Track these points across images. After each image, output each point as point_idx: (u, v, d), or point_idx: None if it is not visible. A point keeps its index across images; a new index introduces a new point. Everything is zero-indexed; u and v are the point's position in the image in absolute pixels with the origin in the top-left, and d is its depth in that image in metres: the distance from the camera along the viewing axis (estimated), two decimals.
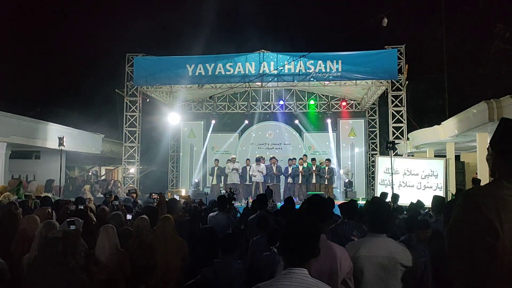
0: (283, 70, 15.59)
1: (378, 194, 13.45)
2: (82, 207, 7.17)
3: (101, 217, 6.33)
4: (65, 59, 21.49)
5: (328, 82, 15.99)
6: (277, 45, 17.47)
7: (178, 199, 8.48)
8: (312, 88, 18.25)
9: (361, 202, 10.92)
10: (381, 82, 15.74)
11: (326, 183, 15.84)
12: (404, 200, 10.15)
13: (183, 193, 15.64)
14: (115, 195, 10.49)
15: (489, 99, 10.19)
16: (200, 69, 15.86)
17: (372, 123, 19.42)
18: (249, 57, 15.84)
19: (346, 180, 17.73)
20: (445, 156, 15.20)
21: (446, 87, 18.65)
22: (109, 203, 8.68)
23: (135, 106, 17.01)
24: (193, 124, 20.27)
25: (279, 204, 10.62)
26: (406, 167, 14.40)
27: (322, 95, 19.55)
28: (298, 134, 19.61)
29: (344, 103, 19.22)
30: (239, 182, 16.29)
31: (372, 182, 18.05)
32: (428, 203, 7.51)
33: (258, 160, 16.37)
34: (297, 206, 6.86)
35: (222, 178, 16.85)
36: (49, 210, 5.72)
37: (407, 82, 15.69)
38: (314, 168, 15.92)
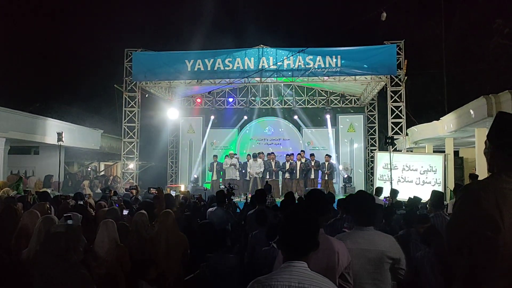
0: (282, 66, 15.58)
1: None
2: (81, 203, 7.19)
3: (97, 212, 6.34)
4: (64, 54, 21.44)
5: (327, 78, 15.97)
6: (276, 40, 17.45)
7: (174, 195, 8.49)
8: (311, 84, 18.23)
9: None
10: (380, 78, 15.73)
11: (326, 178, 15.83)
12: (403, 196, 10.16)
13: (182, 188, 15.63)
14: (114, 191, 10.50)
15: (488, 94, 10.20)
16: (199, 65, 15.84)
17: (371, 118, 19.42)
18: (248, 52, 15.81)
19: (345, 176, 17.75)
20: (444, 152, 15.22)
21: (445, 83, 18.66)
22: (108, 198, 8.69)
23: (134, 102, 17.00)
24: (192, 119, 20.26)
25: (278, 200, 10.63)
26: (405, 162, 14.42)
27: (321, 90, 19.53)
28: (297, 130, 19.61)
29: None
30: (238, 178, 16.27)
31: (371, 177, 18.07)
32: (426, 198, 7.51)
33: (255, 156, 16.34)
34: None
35: (222, 173, 16.84)
36: (48, 205, 5.72)
37: (406, 77, 15.69)
38: (312, 164, 15.92)
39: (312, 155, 16.38)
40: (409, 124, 16.45)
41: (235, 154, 17.44)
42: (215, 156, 17.37)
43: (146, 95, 17.52)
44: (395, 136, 15.66)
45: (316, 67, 15.34)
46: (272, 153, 16.82)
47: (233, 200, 8.90)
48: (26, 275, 3.49)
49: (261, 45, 15.87)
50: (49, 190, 11.26)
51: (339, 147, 19.14)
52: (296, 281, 2.05)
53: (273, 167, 16.12)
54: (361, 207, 3.22)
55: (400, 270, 3.12)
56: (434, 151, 17.47)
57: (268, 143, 19.53)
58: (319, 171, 15.96)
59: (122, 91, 16.98)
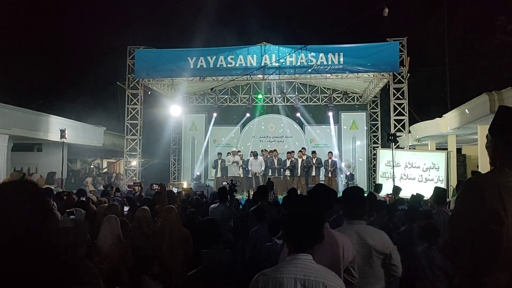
0: (284, 63, 15.55)
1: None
2: (83, 199, 7.22)
3: (97, 207, 6.36)
4: (67, 52, 21.48)
5: (329, 75, 15.95)
6: (279, 38, 17.43)
7: (175, 191, 8.51)
8: (313, 81, 18.20)
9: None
10: (382, 75, 15.70)
11: (330, 175, 15.81)
12: (406, 193, 10.15)
13: (185, 185, 15.65)
14: (116, 187, 10.53)
15: (491, 91, 10.17)
16: (201, 62, 15.83)
17: (374, 116, 19.40)
18: (251, 49, 15.80)
19: (348, 173, 17.73)
20: (446, 149, 15.19)
21: (448, 80, 18.61)
22: (111, 195, 8.72)
23: (136, 99, 17.01)
24: (194, 117, 20.26)
25: (280, 197, 10.63)
26: (408, 159, 14.40)
27: (323, 88, 19.50)
28: (299, 127, 19.60)
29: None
30: (241, 175, 16.29)
31: (373, 175, 18.05)
32: (429, 196, 7.50)
33: (256, 155, 16.31)
34: None
35: (226, 170, 16.87)
36: (52, 201, 5.74)
37: (408, 74, 15.64)
38: (314, 161, 15.91)
39: (313, 152, 16.37)
40: (412, 122, 16.42)
41: (238, 151, 17.45)
42: (220, 153, 17.38)
43: (149, 92, 17.54)
44: (398, 134, 15.62)
45: (319, 64, 15.31)
46: (275, 150, 16.83)
47: (236, 197, 8.93)
48: None
49: (264, 43, 15.84)
50: (52, 187, 11.30)
51: (342, 144, 19.12)
52: (301, 273, 2.07)
53: (275, 164, 16.12)
54: (350, 201, 3.25)
55: (392, 267, 3.13)
56: (436, 149, 17.44)
57: (271, 141, 19.52)
58: (321, 168, 15.96)
59: (125, 88, 17.00)
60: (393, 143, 12.98)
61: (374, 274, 3.03)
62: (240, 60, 15.69)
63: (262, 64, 15.48)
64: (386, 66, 15.12)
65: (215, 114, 19.44)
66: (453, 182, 13.66)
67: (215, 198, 8.02)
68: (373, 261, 3.02)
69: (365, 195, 3.48)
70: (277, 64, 15.49)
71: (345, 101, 19.27)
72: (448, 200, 7.97)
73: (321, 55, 15.25)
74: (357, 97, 19.51)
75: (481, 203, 1.92)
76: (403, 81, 15.71)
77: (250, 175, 16.24)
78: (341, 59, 15.14)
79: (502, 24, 19.48)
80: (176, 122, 19.89)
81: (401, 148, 16.35)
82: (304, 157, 16.07)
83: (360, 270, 2.95)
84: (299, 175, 15.82)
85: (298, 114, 19.32)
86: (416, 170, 14.20)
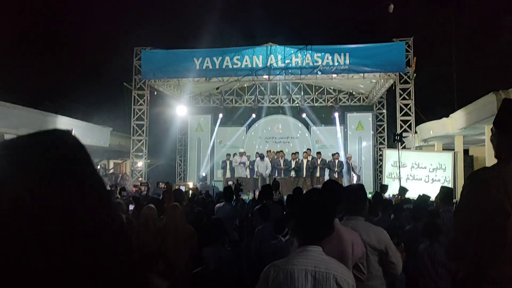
0: (290, 63, 15.56)
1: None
2: None
3: None
4: (73, 52, 21.61)
5: (335, 75, 15.93)
6: (285, 38, 17.43)
7: (184, 190, 8.54)
8: (319, 82, 18.18)
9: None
10: (388, 75, 15.66)
11: (337, 176, 15.80)
12: (412, 194, 10.11)
13: (191, 186, 15.69)
14: (121, 187, 10.57)
15: (498, 90, 10.11)
16: (207, 63, 15.87)
17: (380, 116, 19.34)
18: (256, 50, 15.81)
19: (354, 174, 17.66)
20: (453, 150, 15.10)
21: (454, 80, 18.52)
22: (116, 194, 8.77)
23: (143, 100, 17.08)
24: (200, 117, 20.31)
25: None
26: (414, 160, 14.34)
27: (329, 88, 19.47)
28: (305, 128, 19.58)
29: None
30: (248, 176, 16.31)
31: (379, 176, 17.99)
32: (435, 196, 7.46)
33: (262, 157, 16.32)
34: None
35: (234, 171, 16.90)
36: None
37: (415, 75, 15.59)
38: (318, 162, 15.90)
39: (318, 153, 16.37)
40: (418, 122, 16.35)
41: (244, 152, 17.47)
42: (228, 154, 17.41)
43: (155, 93, 17.60)
44: (404, 134, 15.56)
45: (324, 64, 15.30)
46: (281, 151, 16.84)
47: (241, 197, 8.94)
48: None
49: (269, 43, 15.85)
50: None
51: (348, 145, 19.09)
52: (312, 265, 2.09)
53: (282, 165, 16.14)
54: (349, 197, 3.28)
55: (390, 264, 3.12)
56: (443, 150, 17.34)
57: (277, 141, 19.52)
58: (325, 169, 15.94)
59: (131, 89, 17.07)
60: (399, 143, 12.92)
61: (369, 270, 3.03)
62: (246, 61, 15.71)
63: (268, 65, 15.49)
64: (392, 66, 15.08)
65: (221, 115, 19.46)
66: (460, 184, 13.56)
67: (221, 197, 8.04)
68: (368, 257, 3.03)
69: (367, 193, 3.49)
70: (282, 65, 15.49)
71: (351, 102, 19.23)
72: (454, 200, 7.93)
73: (327, 55, 15.24)
74: (363, 97, 19.47)
75: (486, 196, 1.91)
76: (409, 81, 15.66)
77: (256, 176, 16.25)
78: (347, 60, 15.11)
79: (509, 24, 19.36)
80: (182, 123, 19.95)
81: (407, 148, 16.28)
82: (310, 158, 16.07)
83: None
84: (304, 176, 15.82)
85: (304, 115, 19.30)
86: (422, 170, 14.13)
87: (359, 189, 3.45)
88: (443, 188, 6.14)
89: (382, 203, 6.82)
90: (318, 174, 15.82)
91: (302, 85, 19.27)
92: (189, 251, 4.85)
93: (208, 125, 20.16)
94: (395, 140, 12.72)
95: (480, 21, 19.96)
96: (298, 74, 15.91)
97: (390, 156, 14.61)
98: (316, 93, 19.51)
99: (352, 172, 16.14)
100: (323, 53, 15.30)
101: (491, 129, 2.10)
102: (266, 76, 16.28)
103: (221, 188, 15.64)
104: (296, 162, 16.03)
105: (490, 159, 11.65)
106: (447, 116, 14.32)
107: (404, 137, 15.69)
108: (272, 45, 15.79)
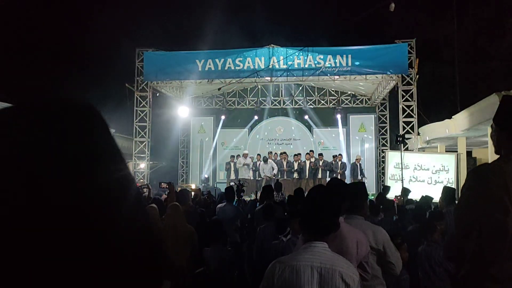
0: (292, 65, 15.56)
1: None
2: None
3: None
4: (75, 53, 21.67)
5: (337, 77, 15.92)
6: (287, 40, 17.44)
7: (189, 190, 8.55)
8: (321, 83, 18.18)
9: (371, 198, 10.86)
10: (391, 77, 15.63)
11: (339, 177, 15.76)
12: (415, 195, 10.08)
13: (193, 187, 15.69)
14: None
15: (500, 91, 10.08)
16: (209, 64, 15.88)
17: (383, 118, 19.31)
18: (259, 52, 15.82)
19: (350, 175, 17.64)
20: (456, 152, 15.07)
21: (457, 82, 18.48)
22: None
23: (145, 101, 17.10)
24: (203, 119, 20.33)
25: None
26: (417, 162, 14.30)
27: (331, 90, 19.47)
28: (308, 130, 19.57)
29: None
30: (251, 178, 16.30)
31: (382, 177, 17.95)
32: (438, 198, 7.44)
33: (266, 160, 16.30)
34: None
35: (237, 173, 16.89)
36: None
37: (417, 76, 15.57)
38: (320, 163, 15.90)
39: (320, 154, 16.35)
40: (421, 124, 16.33)
41: (248, 153, 17.45)
42: (233, 156, 17.40)
43: (157, 94, 17.63)
44: (407, 135, 15.53)
45: (327, 66, 15.29)
46: (284, 152, 16.84)
47: (243, 198, 8.94)
48: None
49: (272, 45, 15.87)
50: None
51: (350, 147, 19.06)
52: (317, 261, 2.08)
53: (284, 167, 16.14)
54: (349, 195, 3.26)
55: (389, 264, 3.11)
56: (446, 151, 17.30)
57: (279, 143, 19.51)
58: (327, 171, 15.93)
59: (134, 90, 17.09)
60: (402, 144, 12.90)
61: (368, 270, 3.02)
62: (248, 62, 15.73)
63: (270, 66, 15.50)
64: (395, 68, 15.06)
65: (223, 117, 19.48)
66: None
67: (223, 198, 8.04)
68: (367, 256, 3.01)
69: (367, 191, 3.48)
70: (285, 66, 15.50)
71: (353, 104, 19.21)
72: (457, 201, 7.89)
73: (329, 57, 15.23)
74: (365, 99, 19.45)
75: (486, 192, 1.91)
76: (412, 83, 15.64)
77: (260, 177, 16.22)
78: (349, 61, 15.10)
79: None
80: (185, 124, 19.97)
81: (410, 150, 16.24)
82: (312, 160, 16.08)
83: None
84: (307, 177, 15.82)
85: (306, 117, 19.29)
86: (425, 172, 14.09)
87: (359, 188, 3.44)
88: (446, 189, 6.10)
89: (384, 204, 6.81)
90: (320, 176, 15.80)
91: (304, 87, 19.26)
92: (190, 251, 4.85)
93: (211, 127, 20.18)
94: (398, 142, 12.69)
95: (482, 23, 19.93)
96: (300, 76, 15.90)
97: (393, 157, 14.58)
98: (319, 94, 19.50)
99: (360, 174, 16.09)
100: (325, 55, 15.30)
101: (491, 126, 2.09)
102: (268, 78, 16.28)
103: (223, 190, 15.62)
104: (298, 164, 16.02)
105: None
106: (450, 118, 14.30)
107: (407, 138, 15.66)
108: (274, 46, 15.81)
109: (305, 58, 15.40)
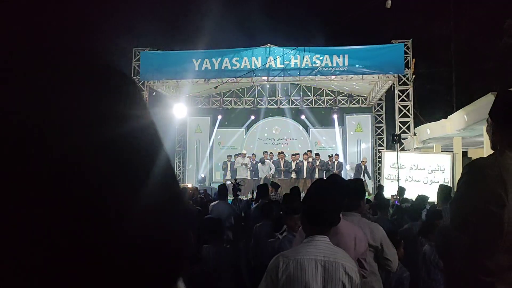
0: (289, 65, 15.58)
1: (384, 189, 13.42)
2: None
3: None
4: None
5: (334, 77, 15.95)
6: (284, 39, 17.43)
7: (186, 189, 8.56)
8: (318, 83, 18.21)
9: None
10: (387, 77, 15.68)
11: None
12: (411, 195, 10.11)
13: (190, 186, 15.68)
14: None
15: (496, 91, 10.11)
16: (206, 64, 15.89)
17: (379, 118, 19.36)
18: (255, 51, 15.83)
19: (352, 175, 17.69)
20: (452, 152, 15.11)
21: (453, 82, 18.55)
22: None
23: None
24: (199, 119, 20.32)
25: None
26: (413, 161, 14.33)
27: (328, 90, 19.50)
28: (304, 130, 19.59)
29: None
30: (249, 177, 16.31)
31: (378, 177, 17.99)
32: (435, 197, 7.47)
33: (263, 162, 16.32)
34: None
35: (235, 173, 16.90)
36: None
37: (414, 76, 15.62)
38: (317, 163, 15.93)
39: (317, 154, 16.39)
40: (417, 124, 16.38)
41: (246, 153, 17.46)
42: (229, 155, 17.42)
43: (154, 93, 17.61)
44: (403, 135, 15.58)
45: (323, 66, 15.32)
46: (282, 152, 16.87)
47: (239, 197, 8.95)
48: None
49: (268, 44, 15.88)
50: None
51: (347, 147, 19.10)
52: (321, 255, 2.09)
53: (282, 166, 16.17)
54: (347, 193, 3.25)
55: (386, 261, 3.11)
56: (442, 151, 17.35)
57: (276, 143, 19.52)
58: (324, 170, 15.95)
59: None
60: (398, 144, 12.94)
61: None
62: (245, 62, 15.74)
63: (267, 66, 15.51)
64: (391, 68, 15.11)
65: (219, 117, 19.48)
66: None
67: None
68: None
69: (365, 189, 3.50)
70: (281, 66, 15.51)
71: (350, 104, 19.24)
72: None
73: (326, 56, 15.26)
74: (362, 99, 19.49)
75: (483, 185, 1.91)
76: (408, 83, 15.69)
77: (259, 177, 16.22)
78: (346, 61, 15.14)
79: (509, 27, 19.39)
80: (181, 124, 19.94)
81: (406, 150, 16.29)
82: (310, 159, 16.12)
83: None
84: (304, 177, 15.84)
85: (303, 117, 19.33)
86: (421, 172, 14.13)
87: (357, 185, 3.44)
88: (441, 187, 6.14)
89: (379, 202, 6.84)
90: (317, 176, 15.82)
91: (301, 87, 19.29)
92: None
93: (207, 126, 20.17)
94: (394, 141, 12.73)
95: (478, 23, 20.01)
96: (297, 76, 15.92)
97: (389, 157, 14.61)
98: (315, 94, 19.53)
99: (366, 176, 16.15)
100: (322, 55, 15.33)
101: (487, 120, 2.10)
102: (265, 78, 16.29)
103: None
104: (296, 163, 16.07)
105: None
106: (446, 118, 14.34)
107: (403, 138, 15.71)
108: (271, 46, 15.82)
109: (302, 58, 15.42)
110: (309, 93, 19.57)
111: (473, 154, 18.21)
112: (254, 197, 8.67)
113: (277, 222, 5.00)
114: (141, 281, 0.43)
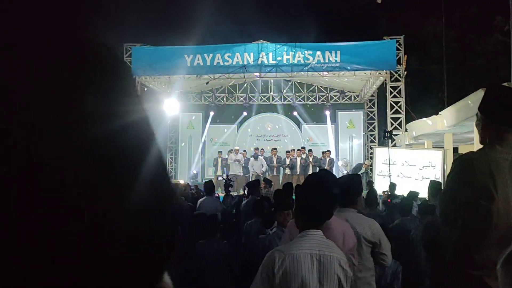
0: (281, 61, 15.55)
1: (376, 185, 13.49)
2: None
3: None
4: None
5: (326, 73, 15.95)
6: (276, 35, 17.41)
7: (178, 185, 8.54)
8: (310, 80, 18.20)
9: None
10: (379, 73, 15.70)
11: None
12: (402, 191, 10.15)
13: (182, 182, 15.62)
14: None
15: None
16: (198, 59, 15.81)
17: (371, 115, 19.40)
18: (248, 47, 15.77)
19: (345, 172, 17.72)
20: (443, 148, 15.19)
21: (445, 79, 18.64)
22: None
23: None
24: (191, 115, 20.24)
25: None
26: (404, 158, 14.39)
27: (320, 86, 19.50)
28: (296, 126, 19.59)
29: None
30: (241, 174, 16.28)
31: (370, 174, 18.04)
32: (426, 193, 7.51)
33: (256, 157, 16.31)
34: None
35: (225, 169, 16.87)
36: None
37: (405, 73, 15.66)
38: (310, 160, 15.96)
39: (310, 151, 16.41)
40: (409, 120, 16.45)
41: (239, 149, 17.43)
42: (220, 152, 17.38)
43: (145, 89, 17.50)
44: (395, 132, 15.64)
45: (316, 62, 15.31)
46: (275, 148, 16.87)
47: (230, 192, 8.94)
48: None
49: (260, 40, 15.84)
50: None
51: (339, 143, 19.14)
52: (316, 249, 2.09)
53: (275, 162, 16.18)
54: (344, 188, 3.24)
55: (381, 256, 3.12)
56: (433, 147, 17.43)
57: (268, 139, 19.50)
58: (317, 167, 15.98)
59: None
60: (390, 140, 12.98)
61: (362, 262, 3.03)
62: (237, 58, 15.68)
63: (259, 62, 15.47)
64: (383, 64, 15.14)
65: (212, 113, 19.41)
66: None
67: None
68: (362, 250, 3.02)
69: (362, 185, 3.49)
70: (274, 62, 15.49)
71: (342, 100, 19.27)
72: None
73: (318, 53, 15.25)
74: (354, 96, 19.52)
75: (472, 179, 1.91)
76: (400, 79, 15.74)
77: (250, 174, 16.22)
78: (338, 57, 15.14)
79: (499, 24, 19.51)
80: (173, 120, 19.85)
81: (397, 146, 16.36)
82: (303, 156, 16.15)
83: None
84: (298, 173, 15.86)
85: (295, 113, 19.32)
86: (412, 168, 14.19)
87: (354, 181, 3.43)
88: (432, 182, 6.16)
89: (369, 197, 6.90)
90: (310, 172, 15.84)
91: (293, 83, 19.28)
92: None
93: (199, 122, 20.10)
94: (385, 137, 12.78)
95: (470, 20, 20.11)
96: (289, 72, 15.90)
97: (381, 154, 14.66)
98: (308, 91, 19.53)
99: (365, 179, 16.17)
100: (314, 51, 15.32)
101: (476, 114, 2.10)
102: (257, 74, 16.25)
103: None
104: (290, 160, 16.09)
105: None
106: (437, 114, 14.41)
107: (395, 135, 15.77)
108: (263, 42, 15.78)
109: (294, 54, 15.41)
110: (301, 90, 19.56)
111: (464, 150, 18.30)
112: (246, 193, 8.67)
113: (267, 219, 4.99)
114: (126, 277, 0.42)
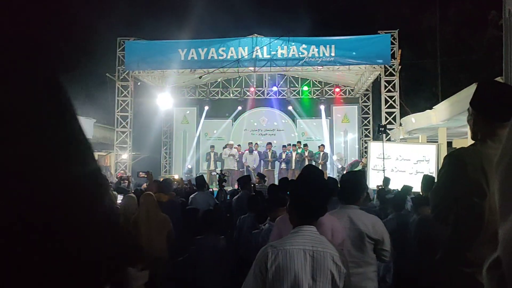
0: (276, 55, 15.49)
1: (370, 180, 13.52)
2: None
3: None
4: (56, 43, 21.23)
5: (321, 67, 15.92)
6: (270, 29, 17.34)
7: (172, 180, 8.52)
8: (305, 74, 18.16)
9: None
10: (374, 67, 15.68)
11: (321, 168, 15.86)
12: (397, 186, 10.16)
13: (176, 177, 15.59)
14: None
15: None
16: (192, 54, 15.72)
17: (366, 109, 19.41)
18: (242, 41, 15.70)
19: (339, 166, 17.74)
20: (437, 142, 15.22)
21: (439, 73, 18.66)
22: None
23: (127, 91, 16.85)
24: (186, 110, 20.17)
25: None
26: (398, 152, 14.41)
27: (315, 81, 19.47)
28: (291, 120, 19.57)
29: (337, 89, 19.20)
30: (236, 168, 16.27)
31: (365, 168, 18.07)
32: (419, 188, 7.51)
33: (252, 151, 16.30)
34: None
35: (219, 164, 16.84)
36: None
37: (400, 67, 15.65)
38: (306, 154, 15.96)
39: (305, 145, 16.44)
40: (403, 115, 16.46)
41: (233, 144, 17.41)
42: (212, 146, 17.36)
43: (139, 83, 17.40)
44: (389, 126, 15.66)
45: (310, 56, 15.27)
46: (270, 143, 16.86)
47: (225, 187, 8.94)
48: None
49: (255, 34, 15.76)
50: None
51: (333, 137, 19.14)
52: (309, 245, 2.09)
53: (269, 157, 16.18)
54: (347, 185, 3.23)
55: (383, 252, 3.12)
56: (428, 142, 17.47)
57: (263, 134, 19.47)
58: (313, 161, 15.99)
59: (115, 80, 16.82)
60: (384, 135, 12.99)
61: (364, 258, 3.02)
62: (232, 52, 15.60)
63: (254, 56, 15.41)
64: (378, 59, 15.12)
65: (206, 107, 19.37)
66: None
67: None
68: (365, 246, 3.01)
69: (366, 183, 3.48)
70: (268, 56, 15.43)
71: (336, 95, 19.25)
72: None
73: (313, 47, 15.21)
74: (348, 90, 19.50)
75: (464, 175, 1.89)
76: (395, 73, 15.73)
77: (244, 168, 16.21)
78: (333, 51, 15.10)
79: (494, 18, 19.51)
80: (167, 115, 19.77)
81: (392, 141, 16.37)
82: (299, 150, 16.16)
83: (351, 254, 2.92)
84: (293, 168, 15.88)
85: (290, 107, 19.30)
86: (406, 162, 14.21)
87: (357, 177, 3.41)
88: (425, 177, 6.15)
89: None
90: None
91: (288, 77, 19.23)
92: (166, 239, 4.77)
93: (194, 117, 20.03)
94: (380, 132, 12.78)
95: (465, 15, 20.10)
96: (284, 66, 15.85)
97: (375, 148, 14.67)
98: (302, 85, 19.49)
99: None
100: (308, 45, 15.27)
101: (468, 109, 2.08)
102: (251, 68, 16.19)
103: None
104: (286, 154, 16.10)
105: None
106: (431, 108, 14.41)
107: (389, 129, 15.78)
108: (257, 36, 15.70)
109: (289, 48, 15.35)
110: (296, 84, 19.52)
111: (458, 144, 18.36)
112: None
113: (261, 214, 4.97)
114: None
